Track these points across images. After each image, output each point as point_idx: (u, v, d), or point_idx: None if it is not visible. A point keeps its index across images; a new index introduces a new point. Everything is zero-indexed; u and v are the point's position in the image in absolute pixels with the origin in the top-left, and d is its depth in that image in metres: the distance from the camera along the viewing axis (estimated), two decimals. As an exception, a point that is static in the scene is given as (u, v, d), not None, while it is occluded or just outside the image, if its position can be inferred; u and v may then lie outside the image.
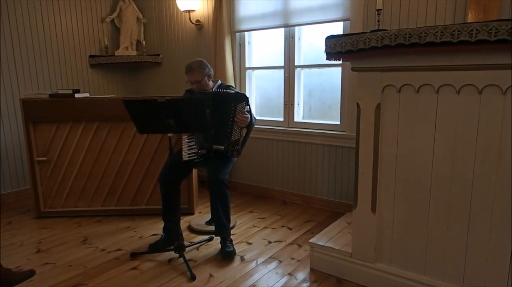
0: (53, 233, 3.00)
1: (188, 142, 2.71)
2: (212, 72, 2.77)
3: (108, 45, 4.47)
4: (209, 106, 2.65)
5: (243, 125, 2.66)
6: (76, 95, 3.22)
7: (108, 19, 4.49)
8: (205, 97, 2.68)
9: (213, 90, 2.76)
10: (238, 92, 2.70)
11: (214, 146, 2.66)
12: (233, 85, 3.75)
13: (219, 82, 2.89)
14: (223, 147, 2.65)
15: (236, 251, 2.61)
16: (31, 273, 2.19)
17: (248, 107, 2.69)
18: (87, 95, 3.41)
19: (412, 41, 1.76)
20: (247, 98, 2.69)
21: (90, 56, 4.39)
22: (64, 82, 4.17)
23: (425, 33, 1.72)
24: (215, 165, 2.66)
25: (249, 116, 2.67)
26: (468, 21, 2.46)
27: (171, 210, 2.66)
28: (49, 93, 3.26)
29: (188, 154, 2.68)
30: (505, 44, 1.56)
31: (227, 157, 2.71)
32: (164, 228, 2.74)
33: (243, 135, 2.71)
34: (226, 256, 2.53)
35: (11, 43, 3.71)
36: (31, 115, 3.17)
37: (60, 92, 3.27)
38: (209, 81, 2.75)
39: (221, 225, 2.62)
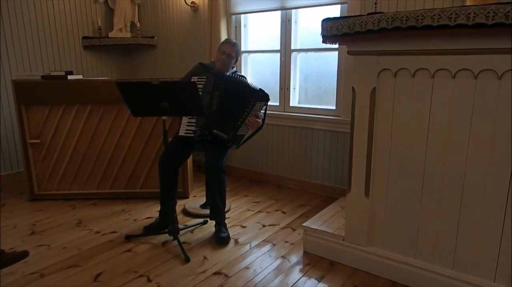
0: (47, 215, 3.00)
1: (189, 118, 2.68)
2: (237, 61, 2.85)
3: (101, 27, 4.39)
4: (219, 89, 2.62)
5: (250, 127, 2.66)
6: (69, 77, 3.17)
7: (101, 0, 4.39)
8: (219, 78, 2.63)
9: (227, 74, 2.73)
10: (262, 90, 2.63)
11: (215, 131, 2.63)
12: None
13: (235, 69, 2.86)
14: (226, 137, 2.64)
15: (230, 235, 2.63)
16: (25, 254, 2.19)
17: (265, 107, 2.67)
18: (80, 77, 3.37)
19: (409, 24, 1.74)
20: (269, 99, 2.65)
21: (83, 38, 4.31)
22: (56, 63, 4.10)
23: (422, 16, 1.70)
24: (213, 150, 2.65)
25: (261, 121, 2.68)
26: (467, 5, 2.43)
27: (169, 194, 2.66)
28: (41, 74, 3.21)
29: (186, 130, 2.65)
30: (502, 28, 1.55)
31: (225, 143, 2.70)
32: (160, 211, 2.75)
33: (249, 133, 2.72)
34: (220, 241, 2.54)
35: (2, 24, 3.63)
36: (23, 96, 3.12)
37: (52, 73, 3.22)
38: (234, 65, 2.80)
39: (216, 209, 2.63)
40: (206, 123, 2.63)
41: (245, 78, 2.81)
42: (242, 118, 2.63)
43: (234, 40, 2.93)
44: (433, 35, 1.73)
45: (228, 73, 2.74)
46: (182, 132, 2.66)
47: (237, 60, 2.82)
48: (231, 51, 2.71)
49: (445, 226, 1.92)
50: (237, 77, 2.75)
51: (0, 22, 3.62)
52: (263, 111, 2.71)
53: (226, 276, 2.17)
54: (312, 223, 2.44)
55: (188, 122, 2.67)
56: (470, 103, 1.76)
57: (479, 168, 1.78)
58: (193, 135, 2.64)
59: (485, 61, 1.68)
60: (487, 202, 1.79)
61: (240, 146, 2.74)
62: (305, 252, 2.43)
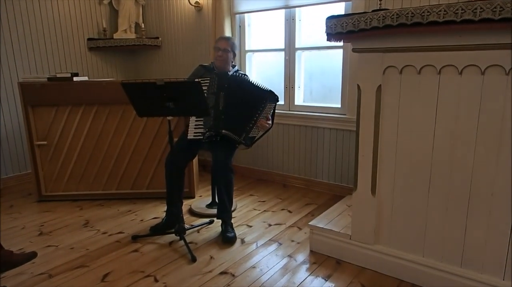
0: (54, 216, 3.02)
1: (196, 120, 2.67)
2: (235, 56, 2.82)
3: (106, 28, 4.41)
4: (224, 89, 2.61)
5: (261, 128, 2.68)
6: (75, 79, 3.19)
7: (105, 1, 4.42)
8: (223, 78, 2.63)
9: (230, 73, 2.72)
10: (271, 91, 2.63)
11: (223, 131, 2.61)
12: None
13: (237, 67, 2.86)
14: (238, 138, 2.64)
15: (237, 235, 2.63)
16: (33, 255, 2.21)
17: (274, 108, 2.68)
18: (85, 78, 3.38)
19: (415, 21, 1.72)
20: (278, 101, 2.67)
21: (88, 39, 4.33)
22: (62, 65, 4.13)
23: (428, 12, 1.68)
24: (221, 149, 2.64)
25: (270, 122, 2.69)
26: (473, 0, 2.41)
27: (175, 194, 2.66)
28: (47, 76, 3.24)
29: (194, 133, 2.64)
30: (510, 23, 1.53)
31: (233, 142, 2.70)
32: (166, 211, 2.75)
33: (260, 135, 2.75)
34: (226, 240, 2.54)
35: (8, 27, 3.66)
36: (29, 98, 3.15)
37: (58, 75, 3.24)
38: (232, 59, 2.77)
39: (223, 208, 2.63)
40: (214, 123, 2.62)
41: (247, 76, 2.81)
42: (253, 120, 2.63)
43: (228, 35, 2.92)
44: (439, 31, 1.71)
45: (230, 73, 2.74)
46: (190, 135, 2.63)
47: (235, 55, 2.78)
48: (226, 45, 2.69)
49: (452, 223, 1.90)
50: (240, 76, 2.75)
51: (6, 24, 3.65)
52: (271, 111, 2.70)
53: (233, 275, 2.17)
54: (318, 221, 2.43)
55: (196, 125, 2.65)
56: (477, 100, 1.74)
57: (487, 165, 1.76)
58: (202, 137, 2.63)
59: (492, 57, 1.66)
60: (496, 199, 1.76)
61: (250, 147, 2.75)
62: (311, 251, 2.42)
